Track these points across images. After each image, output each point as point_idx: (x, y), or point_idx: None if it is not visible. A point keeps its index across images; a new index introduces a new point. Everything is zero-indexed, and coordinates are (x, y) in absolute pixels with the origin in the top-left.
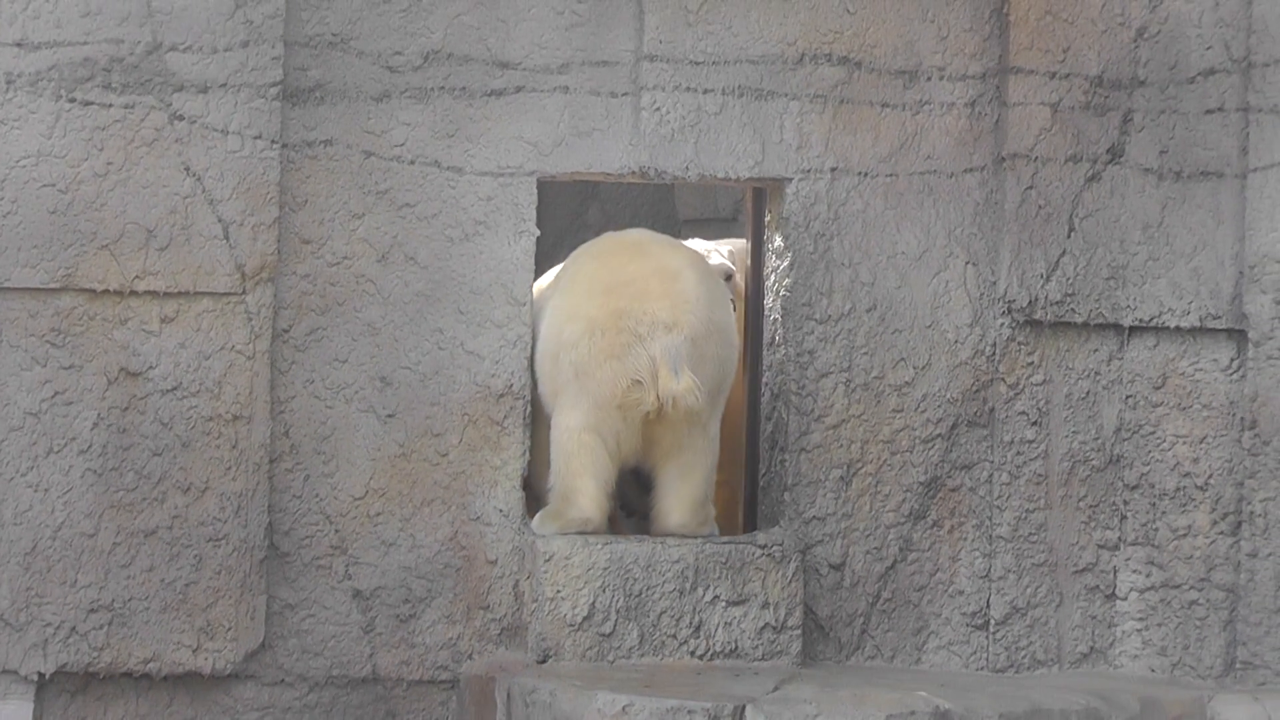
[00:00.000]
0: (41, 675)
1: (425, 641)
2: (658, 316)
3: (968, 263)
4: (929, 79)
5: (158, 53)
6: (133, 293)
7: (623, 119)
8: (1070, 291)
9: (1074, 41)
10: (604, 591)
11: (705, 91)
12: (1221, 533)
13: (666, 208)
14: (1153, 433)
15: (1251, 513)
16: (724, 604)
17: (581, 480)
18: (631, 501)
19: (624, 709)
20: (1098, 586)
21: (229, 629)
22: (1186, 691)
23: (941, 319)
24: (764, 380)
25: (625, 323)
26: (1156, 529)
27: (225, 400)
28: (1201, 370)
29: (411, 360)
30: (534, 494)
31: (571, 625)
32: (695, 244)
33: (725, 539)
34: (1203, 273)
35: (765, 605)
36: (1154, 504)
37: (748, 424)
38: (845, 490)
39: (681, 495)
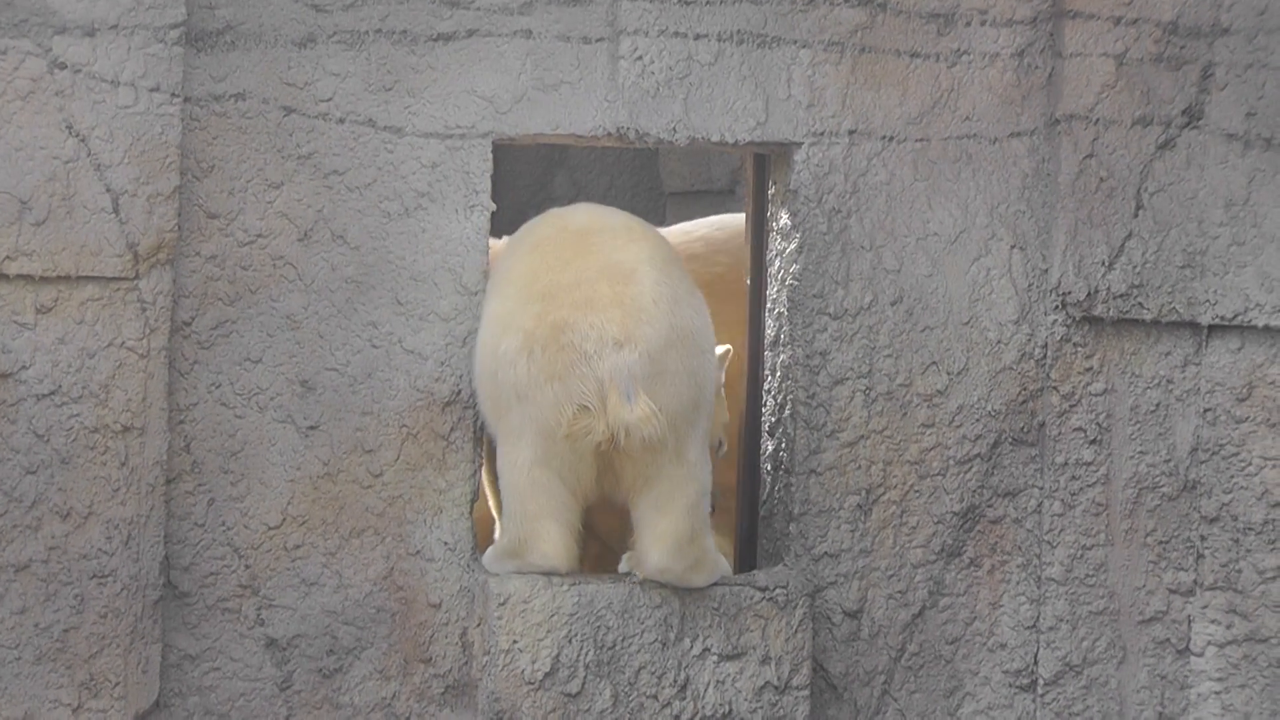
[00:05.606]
0: None
1: (353, 701)
2: (606, 330)
3: (1013, 246)
4: (968, 24)
5: None
6: (2, 276)
7: (597, 70)
8: (1137, 283)
9: None
10: (570, 642)
11: (697, 37)
12: None
13: (649, 178)
14: (1236, 454)
15: None
16: (715, 658)
17: (541, 523)
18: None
19: None
20: (1168, 640)
21: (116, 684)
22: None
23: (981, 314)
24: (767, 387)
25: (567, 338)
26: (1240, 570)
27: (113, 408)
28: None
29: (339, 360)
30: (486, 522)
31: (531, 683)
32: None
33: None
34: None
35: (765, 660)
36: (1237, 540)
37: (747, 441)
38: (864, 521)
39: (659, 534)
